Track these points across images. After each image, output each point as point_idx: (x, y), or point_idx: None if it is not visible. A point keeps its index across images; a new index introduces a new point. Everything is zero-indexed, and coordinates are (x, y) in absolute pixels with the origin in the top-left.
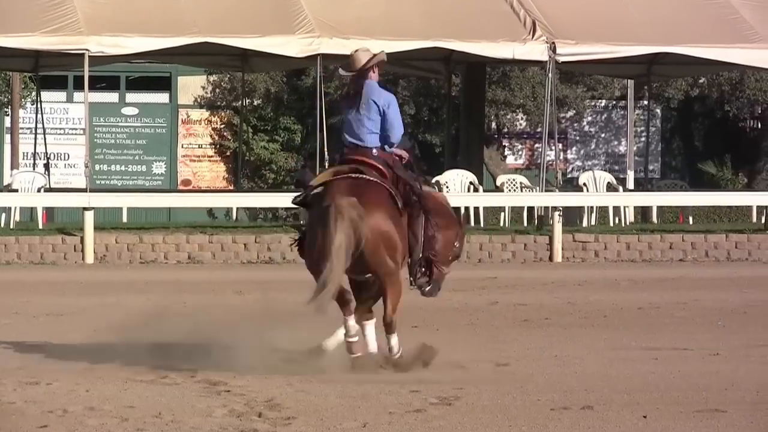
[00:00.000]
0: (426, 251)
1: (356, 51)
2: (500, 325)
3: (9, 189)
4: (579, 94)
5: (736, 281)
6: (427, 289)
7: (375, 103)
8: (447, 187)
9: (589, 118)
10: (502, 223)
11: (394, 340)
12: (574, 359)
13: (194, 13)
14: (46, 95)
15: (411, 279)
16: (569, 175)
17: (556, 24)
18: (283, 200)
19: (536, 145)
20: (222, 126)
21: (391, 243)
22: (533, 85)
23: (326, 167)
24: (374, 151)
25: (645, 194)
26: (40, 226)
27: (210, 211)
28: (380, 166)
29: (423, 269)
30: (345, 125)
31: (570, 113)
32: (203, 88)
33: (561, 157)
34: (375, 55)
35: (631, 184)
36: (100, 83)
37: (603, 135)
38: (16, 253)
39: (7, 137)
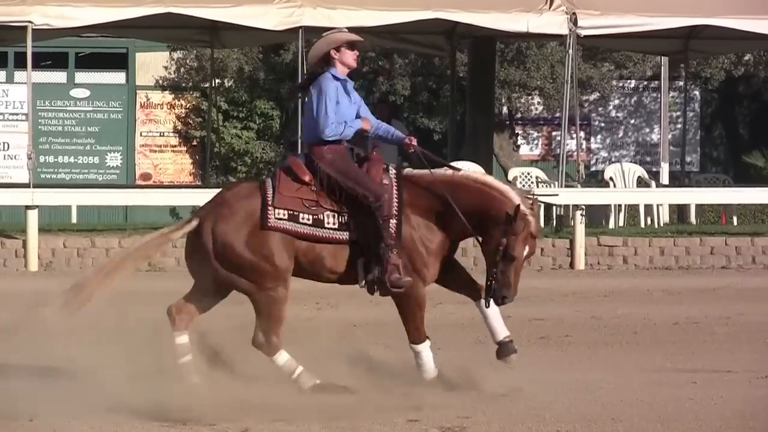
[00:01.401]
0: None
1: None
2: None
3: None
4: (604, 73)
5: None
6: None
7: None
8: None
9: (617, 102)
10: None
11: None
12: (599, 383)
13: None
14: None
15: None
16: (593, 168)
17: None
18: None
19: (554, 133)
20: (187, 111)
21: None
22: (552, 64)
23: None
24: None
25: (682, 190)
26: None
27: (173, 210)
28: None
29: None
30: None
31: (594, 96)
32: (165, 67)
33: (583, 147)
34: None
35: (665, 179)
36: (45, 61)
37: (632, 121)
38: None
39: None
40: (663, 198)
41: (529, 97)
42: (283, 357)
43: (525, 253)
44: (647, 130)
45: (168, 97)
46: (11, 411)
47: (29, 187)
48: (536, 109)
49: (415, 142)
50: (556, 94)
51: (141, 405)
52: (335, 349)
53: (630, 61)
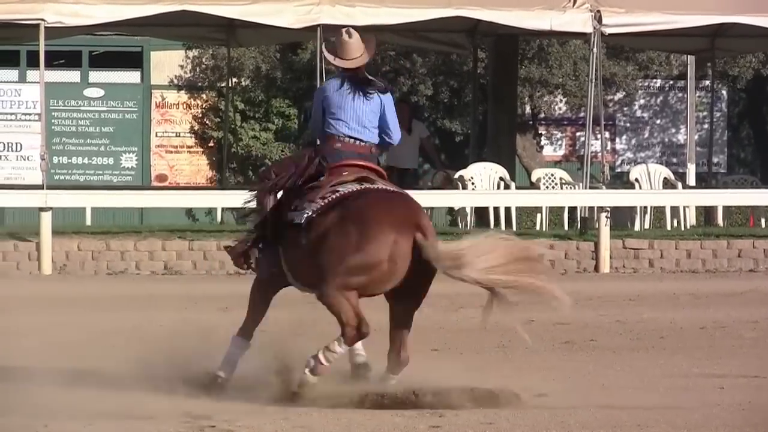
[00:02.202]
0: None
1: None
2: (536, 348)
3: None
4: (630, 72)
5: None
6: None
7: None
8: (472, 183)
9: (642, 101)
10: (538, 227)
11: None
12: (625, 389)
13: None
14: None
15: None
16: (618, 170)
17: None
18: None
19: (579, 134)
20: (203, 111)
21: None
22: (575, 61)
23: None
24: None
25: (709, 192)
26: None
27: (190, 212)
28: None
29: None
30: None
31: (619, 95)
32: (181, 66)
33: (608, 148)
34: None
35: (692, 180)
36: (58, 60)
37: (658, 121)
38: None
39: None
40: (689, 200)
41: (552, 96)
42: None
43: None
44: (673, 130)
45: (184, 96)
46: (28, 415)
47: (42, 188)
48: (560, 109)
49: None
50: (579, 93)
51: (159, 411)
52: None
53: (653, 63)
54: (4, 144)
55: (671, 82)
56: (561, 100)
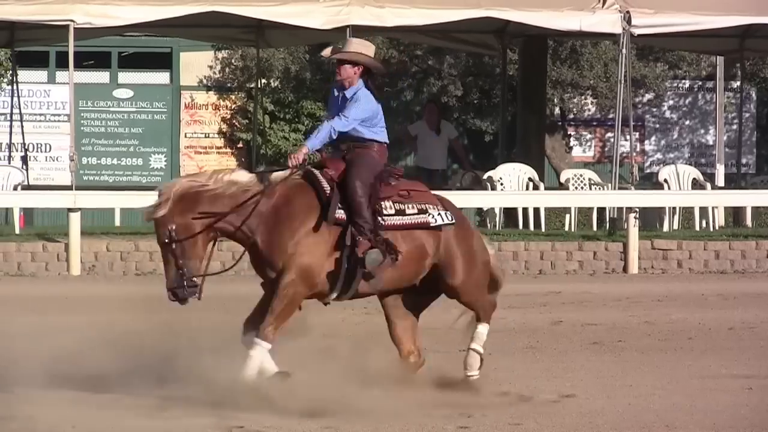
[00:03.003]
0: None
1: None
2: (565, 349)
3: None
4: (659, 73)
5: None
6: None
7: None
8: (501, 183)
9: (671, 102)
10: (567, 228)
11: None
12: (653, 389)
13: None
14: (23, 75)
15: None
16: (647, 170)
17: None
18: None
19: (608, 135)
20: (232, 112)
21: None
22: (605, 63)
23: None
24: None
25: (737, 193)
26: (17, 231)
27: None
28: None
29: None
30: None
31: (648, 96)
32: (210, 66)
33: (637, 149)
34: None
35: (721, 181)
36: (87, 61)
37: (687, 122)
38: None
39: None
40: (718, 201)
41: (582, 98)
42: None
43: None
44: (702, 131)
45: (213, 97)
46: (53, 417)
47: (71, 189)
48: (589, 109)
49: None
50: (609, 94)
51: (188, 411)
52: (384, 355)
53: (684, 61)
54: (33, 145)
55: (700, 83)
56: (590, 102)
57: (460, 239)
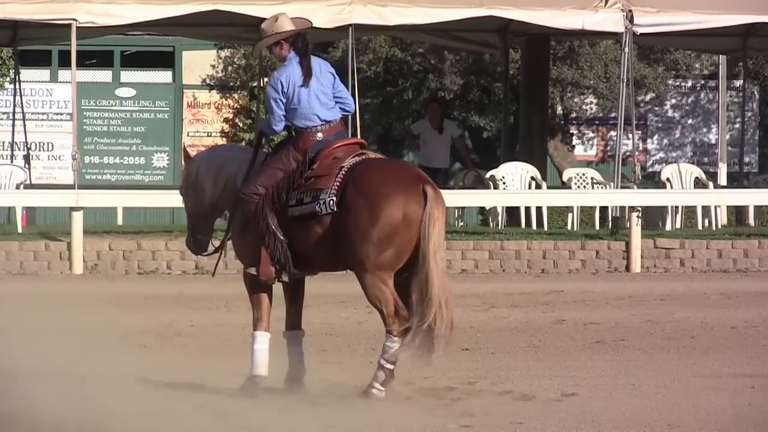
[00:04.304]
0: None
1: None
2: (567, 348)
3: None
4: (660, 74)
5: None
6: None
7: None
8: (503, 182)
9: (673, 101)
10: (569, 227)
11: None
12: (656, 389)
13: None
14: (26, 74)
15: None
16: (650, 169)
17: None
18: None
19: (610, 134)
20: (235, 111)
21: None
22: (606, 63)
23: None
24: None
25: (740, 191)
26: (20, 230)
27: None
28: None
29: None
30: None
31: (649, 96)
32: (213, 65)
33: (640, 148)
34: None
35: (723, 180)
36: (89, 59)
37: (690, 121)
38: None
39: None
40: (721, 199)
41: (583, 97)
42: None
43: None
44: (704, 130)
45: (215, 96)
46: (54, 417)
47: (74, 188)
48: (591, 109)
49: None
50: (610, 95)
51: (191, 410)
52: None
53: (680, 64)
54: (36, 144)
55: (702, 81)
56: (591, 101)
57: None
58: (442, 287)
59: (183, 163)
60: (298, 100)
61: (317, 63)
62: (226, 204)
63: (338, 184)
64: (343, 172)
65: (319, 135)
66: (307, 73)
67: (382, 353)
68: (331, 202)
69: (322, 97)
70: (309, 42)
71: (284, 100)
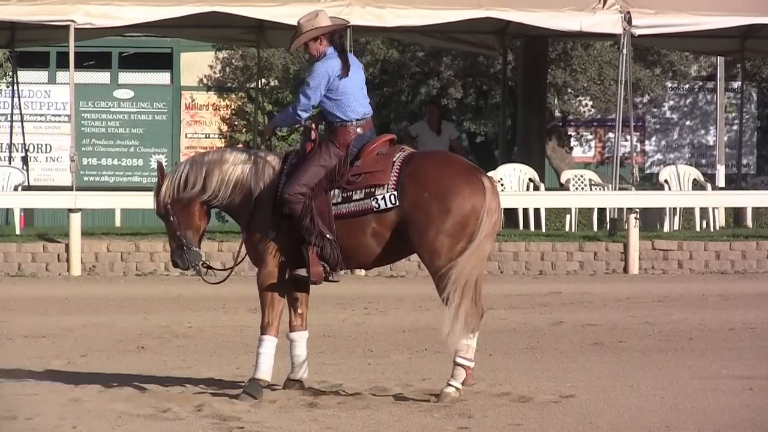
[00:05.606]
0: None
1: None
2: (565, 349)
3: None
4: (656, 75)
5: None
6: None
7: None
8: (502, 184)
9: (671, 103)
10: (567, 228)
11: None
12: (654, 390)
13: None
14: (24, 75)
15: None
16: (648, 171)
17: None
18: None
19: (608, 135)
20: (233, 112)
21: None
22: (600, 65)
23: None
24: None
25: (738, 193)
26: (18, 231)
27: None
28: None
29: None
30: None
31: (647, 98)
32: (210, 66)
33: (638, 149)
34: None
35: (721, 181)
36: (88, 61)
37: (687, 123)
38: None
39: None
40: (719, 201)
41: (579, 98)
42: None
43: None
44: (702, 131)
45: (213, 97)
46: (56, 416)
47: (72, 189)
48: (588, 111)
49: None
50: (602, 96)
51: (188, 411)
52: (384, 355)
53: (676, 66)
54: (33, 145)
55: (700, 83)
56: (587, 104)
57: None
58: (471, 267)
59: (158, 182)
60: (343, 90)
61: (352, 59)
62: (239, 206)
63: (395, 178)
64: (397, 167)
65: (359, 130)
66: (347, 67)
67: (457, 351)
68: (392, 197)
69: (361, 91)
70: (344, 39)
71: (323, 91)
